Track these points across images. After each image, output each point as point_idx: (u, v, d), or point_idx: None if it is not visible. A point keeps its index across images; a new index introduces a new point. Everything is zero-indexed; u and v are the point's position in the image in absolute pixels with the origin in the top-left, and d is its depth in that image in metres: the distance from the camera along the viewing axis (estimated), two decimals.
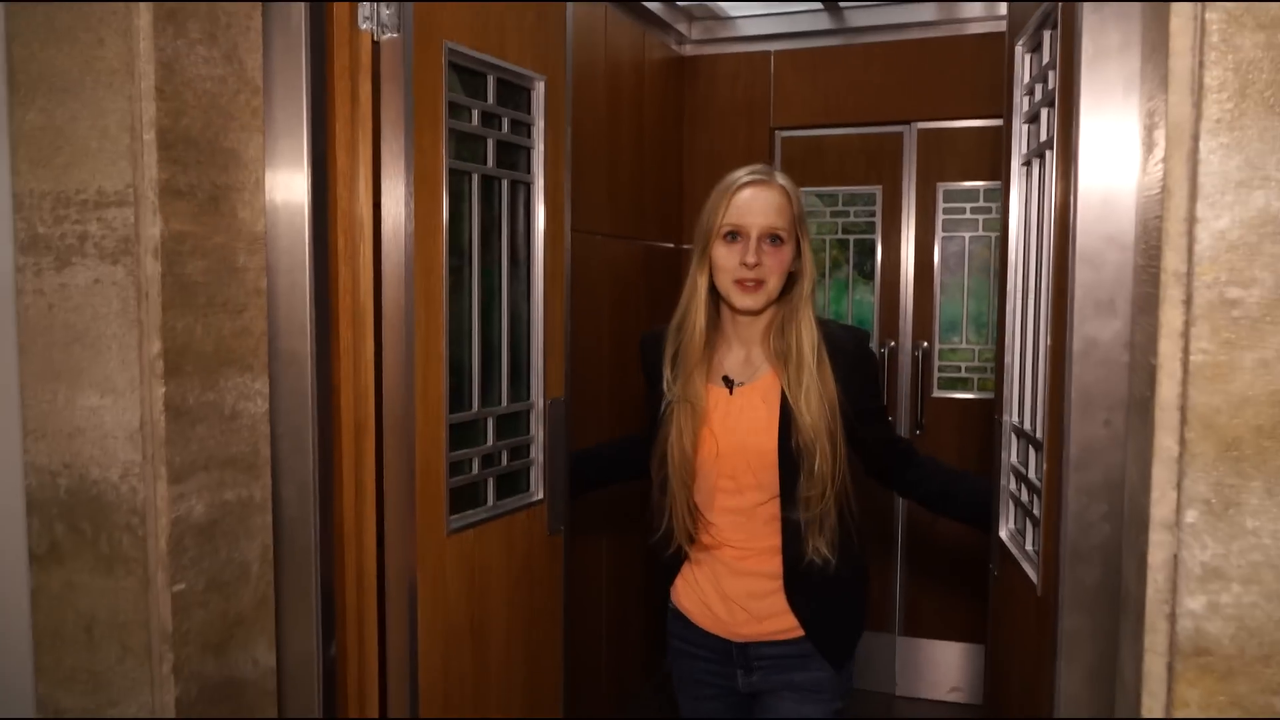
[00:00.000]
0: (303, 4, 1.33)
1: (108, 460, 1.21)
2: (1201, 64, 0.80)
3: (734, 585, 1.75)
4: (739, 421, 1.72)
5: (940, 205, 3.59)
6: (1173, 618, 0.84)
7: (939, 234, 3.59)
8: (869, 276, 3.74)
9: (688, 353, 1.72)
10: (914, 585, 3.66)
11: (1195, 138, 0.81)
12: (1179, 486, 0.83)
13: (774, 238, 1.68)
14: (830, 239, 3.81)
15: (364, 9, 1.48)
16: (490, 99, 1.74)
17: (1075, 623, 1.05)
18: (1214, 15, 0.80)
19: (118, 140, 1.17)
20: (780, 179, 1.73)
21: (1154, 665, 0.86)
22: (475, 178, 1.70)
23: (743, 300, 1.68)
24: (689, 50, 3.85)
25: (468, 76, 1.70)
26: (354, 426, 1.51)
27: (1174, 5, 0.82)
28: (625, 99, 3.33)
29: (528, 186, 1.84)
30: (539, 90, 1.84)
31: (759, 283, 1.67)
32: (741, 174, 1.72)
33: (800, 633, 1.74)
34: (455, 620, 1.69)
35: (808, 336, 1.68)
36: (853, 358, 1.73)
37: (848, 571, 1.74)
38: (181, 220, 1.20)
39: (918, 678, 3.69)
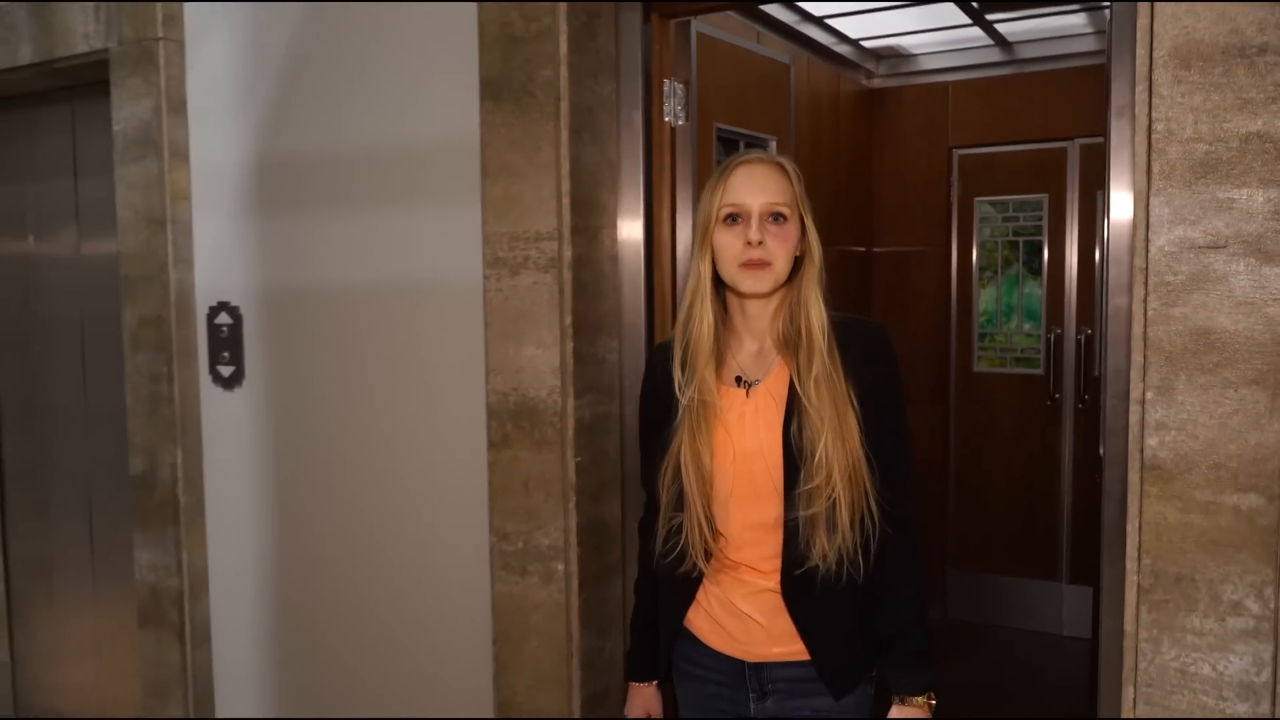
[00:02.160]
0: (640, 112, 2.26)
1: (539, 385, 2.17)
2: (1150, 159, 1.59)
3: (749, 601, 1.66)
4: (755, 422, 1.64)
5: (1101, 210, 4.24)
6: (1141, 451, 1.63)
7: (1100, 235, 4.25)
8: (1036, 273, 4.43)
9: (696, 350, 1.64)
10: (1078, 536, 4.32)
11: (1147, 197, 1.59)
12: (1144, 380, 1.61)
13: (776, 215, 1.62)
14: (1002, 241, 4.52)
15: (667, 108, 2.40)
16: None
17: (1112, 474, 1.83)
18: (1156, 136, 1.58)
19: (548, 203, 2.13)
20: (778, 157, 1.68)
21: (1134, 478, 1.64)
22: None
23: (749, 283, 1.61)
24: (877, 83, 4.64)
25: (727, 142, 2.60)
26: None
27: (1136, 125, 1.61)
28: (823, 125, 4.17)
29: None
30: (772, 147, 2.73)
31: (765, 263, 1.60)
32: (737, 156, 1.67)
33: None
34: None
35: (816, 319, 1.61)
36: (865, 349, 1.65)
37: (853, 587, 1.61)
38: (579, 247, 2.15)
39: (1083, 620, 4.33)
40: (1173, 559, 1.62)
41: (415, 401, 2.46)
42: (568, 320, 2.13)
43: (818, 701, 1.66)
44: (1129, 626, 1.66)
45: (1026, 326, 4.49)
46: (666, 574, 1.72)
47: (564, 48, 2.09)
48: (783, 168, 1.66)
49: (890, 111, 4.65)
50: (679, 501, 1.65)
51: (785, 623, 1.64)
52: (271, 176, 2.64)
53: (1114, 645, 1.77)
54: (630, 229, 2.28)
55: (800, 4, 3.72)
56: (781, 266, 1.62)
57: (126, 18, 2.72)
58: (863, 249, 4.62)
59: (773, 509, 1.62)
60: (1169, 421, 1.60)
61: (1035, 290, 4.44)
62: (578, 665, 2.19)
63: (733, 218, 1.63)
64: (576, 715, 2.19)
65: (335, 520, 2.63)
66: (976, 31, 4.24)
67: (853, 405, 1.59)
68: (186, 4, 2.70)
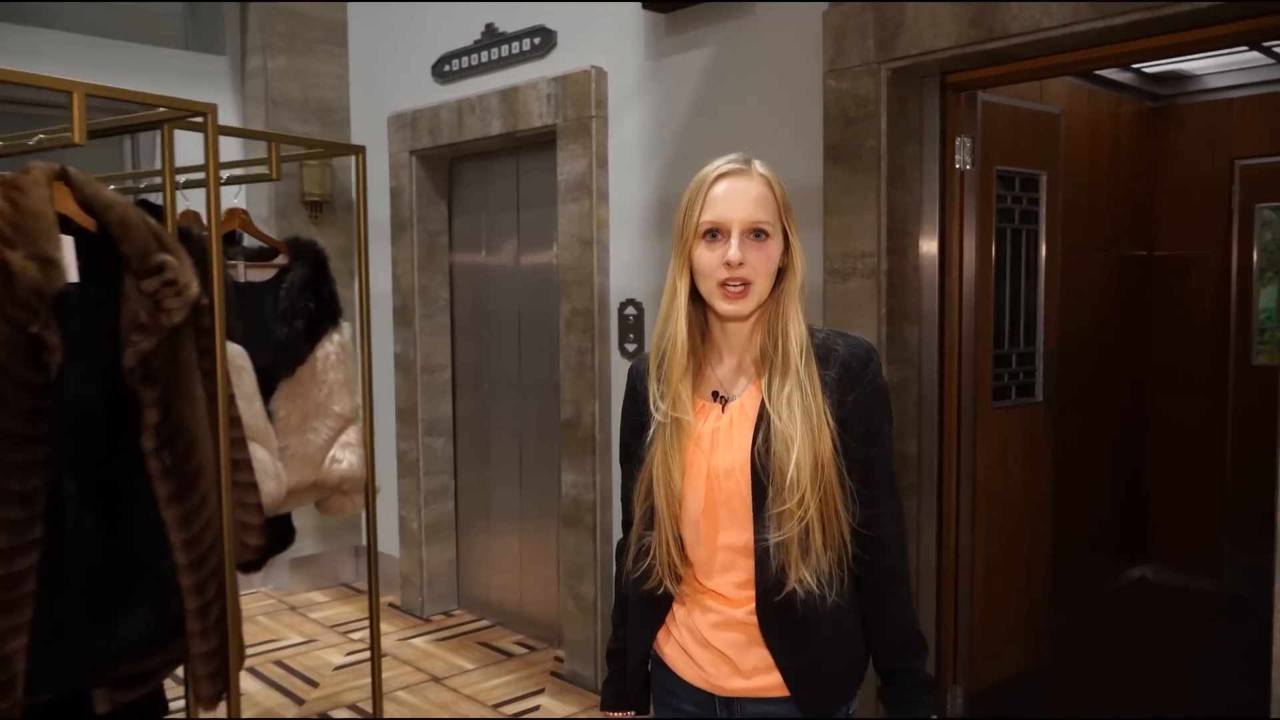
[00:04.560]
0: (937, 164, 3.25)
1: None
2: None
3: (717, 632, 1.63)
4: (729, 438, 1.61)
5: None
6: None
7: None
8: None
9: (671, 366, 1.62)
10: None
11: None
12: None
13: (758, 233, 1.58)
14: None
15: (958, 158, 3.38)
16: (1016, 188, 3.56)
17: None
18: None
19: (870, 231, 3.18)
20: (760, 167, 1.63)
21: None
22: (1009, 230, 3.54)
23: (729, 306, 1.58)
24: (1160, 103, 5.30)
25: (1004, 178, 3.54)
26: (954, 348, 3.41)
27: None
28: (1104, 144, 4.94)
29: (1036, 232, 3.64)
30: (1043, 180, 3.63)
31: (746, 284, 1.57)
32: (719, 164, 1.64)
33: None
34: (992, 455, 3.54)
35: (795, 334, 1.59)
36: (844, 367, 1.59)
37: (834, 611, 1.58)
38: (891, 261, 3.19)
39: None
40: None
41: None
42: (883, 311, 3.18)
43: None
44: None
45: None
46: (635, 594, 1.72)
47: (884, 124, 3.14)
48: (765, 179, 1.62)
49: (1173, 128, 5.28)
50: (650, 519, 1.63)
51: (756, 656, 1.62)
52: (666, 211, 3.86)
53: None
54: (928, 247, 3.28)
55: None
56: (762, 285, 1.59)
57: (570, 103, 4.05)
58: (1144, 253, 5.29)
59: (745, 532, 1.59)
60: None
61: None
62: None
63: (713, 234, 1.59)
64: None
65: None
66: (1256, 55, 4.83)
67: (829, 425, 1.55)
68: (610, 91, 3.98)
